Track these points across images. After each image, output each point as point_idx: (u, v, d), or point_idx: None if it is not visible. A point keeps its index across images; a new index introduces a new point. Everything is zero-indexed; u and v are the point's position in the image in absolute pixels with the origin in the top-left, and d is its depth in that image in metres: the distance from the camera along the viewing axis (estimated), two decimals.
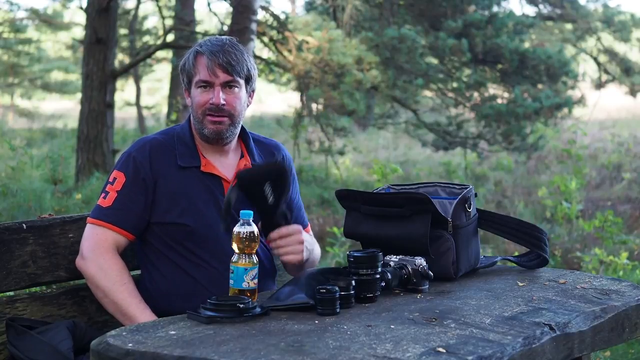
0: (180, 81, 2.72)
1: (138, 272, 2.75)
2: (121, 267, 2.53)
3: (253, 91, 2.73)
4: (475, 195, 2.66)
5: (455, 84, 12.85)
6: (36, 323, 2.51)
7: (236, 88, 2.62)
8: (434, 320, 2.08)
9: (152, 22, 27.51)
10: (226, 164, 2.68)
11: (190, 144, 2.66)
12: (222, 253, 2.52)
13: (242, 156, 2.73)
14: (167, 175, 2.59)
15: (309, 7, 16.98)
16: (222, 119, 2.60)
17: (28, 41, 23.07)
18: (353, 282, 2.21)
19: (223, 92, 2.60)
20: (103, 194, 2.59)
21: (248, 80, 2.66)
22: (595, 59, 19.40)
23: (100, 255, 2.52)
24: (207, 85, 2.60)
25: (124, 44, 19.56)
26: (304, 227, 2.88)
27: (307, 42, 11.24)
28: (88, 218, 2.59)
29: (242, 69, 2.61)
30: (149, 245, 2.63)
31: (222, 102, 2.58)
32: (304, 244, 2.51)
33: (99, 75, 10.17)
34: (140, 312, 2.47)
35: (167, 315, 2.23)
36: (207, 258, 2.58)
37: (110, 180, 2.60)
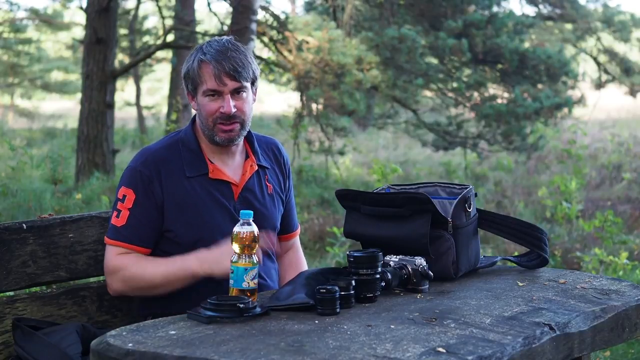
0: (184, 86, 2.68)
1: None
2: (136, 262, 2.55)
3: (256, 88, 2.73)
4: (475, 195, 2.66)
5: (455, 84, 12.83)
6: (42, 323, 2.50)
7: (244, 93, 2.61)
8: (434, 320, 2.08)
9: (152, 22, 27.56)
10: (233, 167, 2.69)
11: (196, 149, 2.65)
12: None
13: (247, 157, 2.74)
14: (174, 187, 2.59)
15: (309, 7, 16.95)
16: (233, 126, 2.60)
17: (28, 41, 23.05)
18: (353, 282, 2.21)
19: (232, 99, 2.59)
20: (115, 212, 2.59)
21: (253, 81, 2.66)
22: (595, 59, 19.37)
23: (118, 273, 2.55)
24: (215, 93, 2.59)
25: (124, 44, 19.54)
26: (295, 229, 2.90)
27: (307, 42, 11.22)
28: (105, 238, 2.60)
29: (249, 73, 2.61)
30: (154, 250, 2.64)
31: (233, 109, 2.58)
32: None
33: (99, 75, 10.16)
34: (181, 262, 2.51)
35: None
36: None
37: (120, 197, 2.59)
